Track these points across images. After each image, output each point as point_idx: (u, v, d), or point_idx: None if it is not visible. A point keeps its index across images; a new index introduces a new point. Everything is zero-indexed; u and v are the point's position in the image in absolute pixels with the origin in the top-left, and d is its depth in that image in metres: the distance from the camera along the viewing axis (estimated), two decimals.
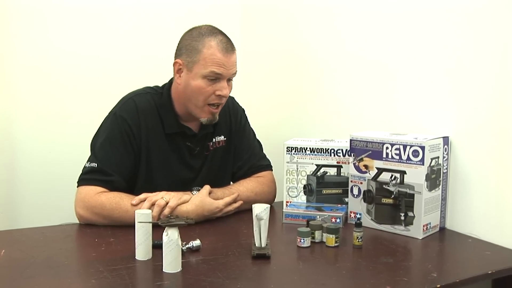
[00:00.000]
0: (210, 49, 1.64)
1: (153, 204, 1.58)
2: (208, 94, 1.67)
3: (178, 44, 1.72)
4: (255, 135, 1.97)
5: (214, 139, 1.83)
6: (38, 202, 2.17)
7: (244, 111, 1.96)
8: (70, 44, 2.20)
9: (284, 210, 1.71)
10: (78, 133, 2.13)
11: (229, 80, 1.71)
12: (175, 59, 1.71)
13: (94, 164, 1.64)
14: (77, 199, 1.62)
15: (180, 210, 1.60)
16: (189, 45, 1.68)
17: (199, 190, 1.70)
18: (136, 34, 2.30)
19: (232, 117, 1.89)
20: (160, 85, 1.81)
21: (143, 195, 1.60)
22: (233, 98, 1.94)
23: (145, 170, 1.72)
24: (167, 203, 1.58)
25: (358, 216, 1.64)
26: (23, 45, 2.12)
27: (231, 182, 1.90)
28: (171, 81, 1.77)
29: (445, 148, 1.59)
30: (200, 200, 1.64)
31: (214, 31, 1.69)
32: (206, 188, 1.69)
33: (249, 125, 1.96)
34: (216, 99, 1.68)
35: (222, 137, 1.85)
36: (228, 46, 1.67)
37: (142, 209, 1.48)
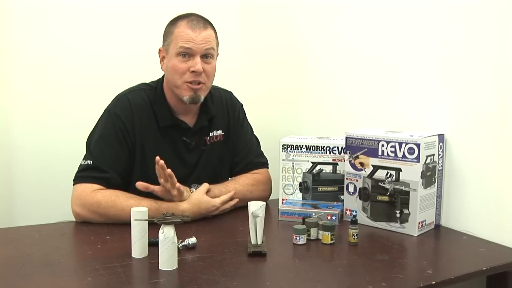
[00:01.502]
0: (180, 27, 1.68)
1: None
2: (183, 71, 1.67)
3: None
4: (252, 130, 1.96)
5: (211, 133, 1.82)
6: (34, 199, 2.16)
7: (242, 106, 1.95)
8: (67, 41, 2.19)
9: (279, 207, 1.72)
10: (75, 131, 2.12)
11: (206, 57, 1.69)
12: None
13: (89, 162, 1.65)
14: (73, 197, 1.62)
15: (176, 208, 1.60)
16: (166, 30, 1.73)
17: (197, 187, 1.71)
18: (133, 32, 2.30)
19: (230, 112, 1.88)
20: (155, 80, 1.81)
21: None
22: (231, 93, 1.94)
23: (140, 166, 1.72)
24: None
25: (353, 213, 1.64)
26: (20, 42, 2.12)
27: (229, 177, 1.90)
28: (164, 75, 1.77)
29: (441, 145, 1.59)
30: (196, 198, 1.65)
31: (189, 14, 1.72)
32: (205, 186, 1.69)
33: (247, 121, 1.95)
34: (192, 76, 1.67)
35: (220, 132, 1.84)
36: (199, 23, 1.68)
37: (138, 207, 1.47)
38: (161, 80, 1.78)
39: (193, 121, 1.79)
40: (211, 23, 1.74)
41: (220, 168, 1.86)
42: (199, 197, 1.65)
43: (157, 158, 1.53)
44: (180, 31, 1.67)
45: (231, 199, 1.73)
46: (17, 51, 2.12)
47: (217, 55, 1.77)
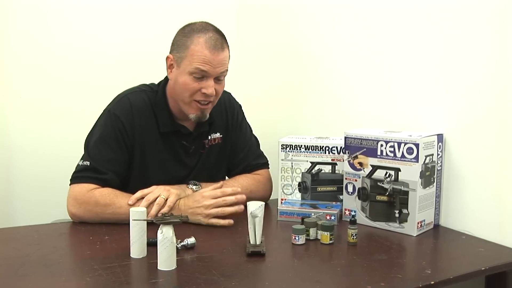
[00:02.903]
0: (197, 45, 1.62)
1: (151, 203, 1.57)
2: (194, 90, 1.64)
3: (173, 39, 1.71)
4: (251, 131, 1.96)
5: (210, 137, 1.82)
6: (33, 200, 2.16)
7: (240, 107, 1.94)
8: (65, 42, 2.19)
9: (278, 207, 1.72)
10: (74, 132, 2.12)
11: (219, 79, 1.67)
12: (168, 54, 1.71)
13: (87, 163, 1.64)
14: (70, 197, 1.61)
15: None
16: (180, 40, 1.67)
17: (195, 183, 1.70)
18: (131, 32, 2.30)
19: (229, 113, 1.87)
20: (156, 82, 1.80)
21: (139, 193, 1.59)
22: (229, 94, 1.92)
23: (139, 169, 1.71)
24: (166, 200, 1.58)
25: (352, 213, 1.64)
26: (19, 43, 2.12)
27: (227, 178, 1.89)
28: (166, 78, 1.75)
29: (439, 145, 1.59)
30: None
31: (206, 28, 1.66)
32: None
33: (246, 122, 1.94)
34: (202, 96, 1.65)
35: (218, 134, 1.84)
36: (217, 43, 1.63)
37: (137, 207, 1.47)
38: (163, 84, 1.75)
39: (194, 126, 1.77)
40: (225, 38, 1.68)
41: (216, 170, 1.85)
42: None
43: None
44: (197, 51, 1.61)
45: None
46: (16, 52, 2.12)
47: None
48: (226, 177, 1.90)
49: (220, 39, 1.65)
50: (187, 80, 1.64)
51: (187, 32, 1.66)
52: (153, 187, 1.61)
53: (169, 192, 1.60)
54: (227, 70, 1.68)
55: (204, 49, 1.61)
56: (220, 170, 1.88)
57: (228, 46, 1.69)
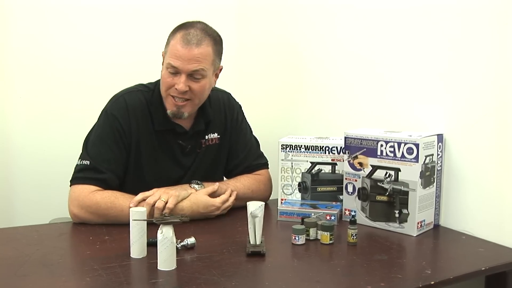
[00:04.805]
0: (174, 40, 1.63)
1: (151, 206, 1.57)
2: (168, 85, 1.65)
3: None
4: (251, 131, 1.95)
5: (207, 137, 1.81)
6: (33, 200, 2.16)
7: (240, 107, 1.93)
8: (65, 43, 2.19)
9: (278, 207, 1.72)
10: (74, 132, 2.11)
11: (195, 77, 1.63)
12: None
13: (87, 162, 1.64)
14: (71, 198, 1.61)
15: (175, 206, 1.60)
16: (168, 36, 1.69)
17: (198, 183, 1.71)
18: (131, 32, 2.29)
19: (228, 114, 1.86)
20: (153, 81, 1.80)
21: (140, 196, 1.58)
22: (229, 94, 1.92)
23: (134, 168, 1.71)
24: (166, 203, 1.58)
25: (352, 213, 1.64)
26: (19, 43, 2.12)
27: (225, 179, 1.89)
28: None
29: (439, 145, 1.59)
30: (196, 197, 1.64)
31: (192, 24, 1.65)
32: (210, 188, 1.69)
33: (246, 122, 1.94)
34: (176, 92, 1.64)
35: (215, 135, 1.83)
36: (193, 39, 1.60)
37: (137, 207, 1.47)
38: (159, 83, 1.76)
39: (190, 125, 1.77)
40: (212, 37, 1.65)
41: (213, 171, 1.85)
42: (199, 197, 1.65)
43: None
44: (173, 45, 1.62)
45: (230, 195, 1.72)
46: (16, 52, 2.11)
47: (219, 69, 1.72)
48: (225, 178, 1.91)
49: (199, 36, 1.61)
50: (164, 74, 1.66)
51: (174, 29, 1.68)
52: (154, 190, 1.61)
53: (168, 195, 1.60)
54: (203, 69, 1.62)
55: (177, 44, 1.61)
56: (217, 171, 1.87)
57: (213, 44, 1.64)
